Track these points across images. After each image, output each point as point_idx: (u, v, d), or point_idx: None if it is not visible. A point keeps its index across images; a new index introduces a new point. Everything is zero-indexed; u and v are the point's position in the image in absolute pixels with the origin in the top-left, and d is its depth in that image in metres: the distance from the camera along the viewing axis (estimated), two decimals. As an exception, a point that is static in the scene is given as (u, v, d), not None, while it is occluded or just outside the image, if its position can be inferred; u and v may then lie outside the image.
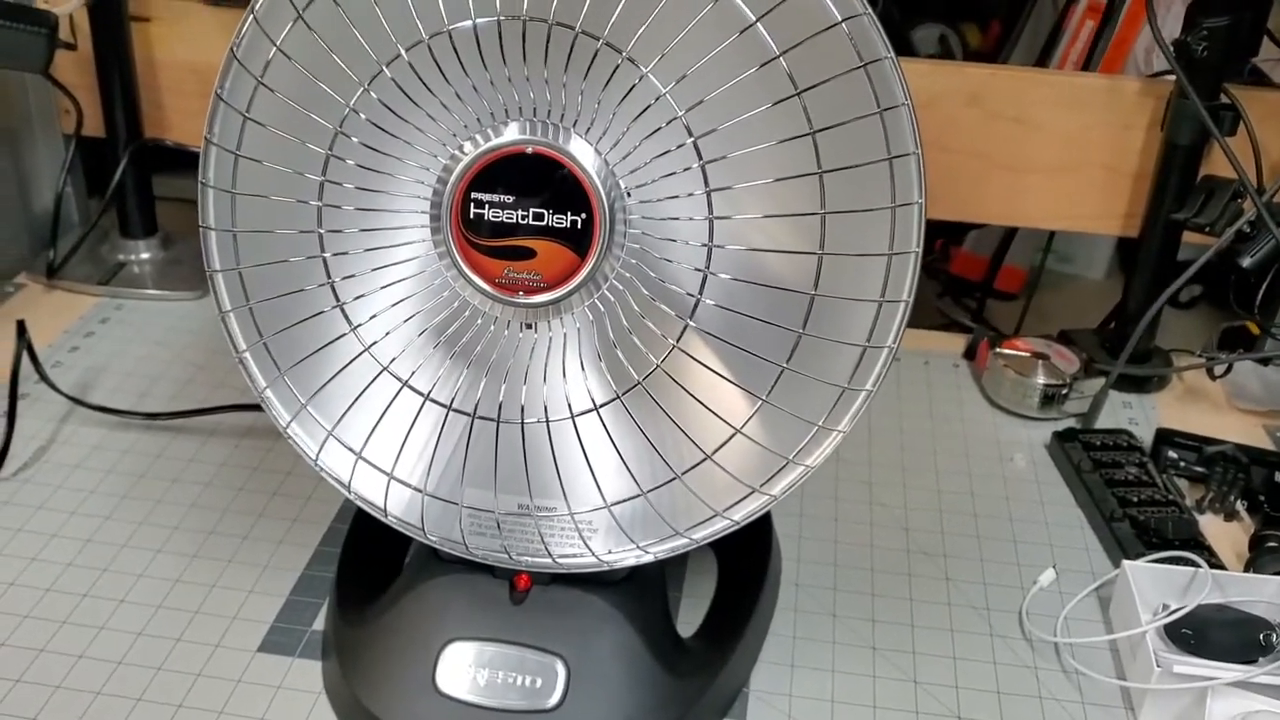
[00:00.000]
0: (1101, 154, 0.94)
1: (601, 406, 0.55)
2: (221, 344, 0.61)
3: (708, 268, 0.54)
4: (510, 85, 0.54)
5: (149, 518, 0.78)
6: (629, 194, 0.55)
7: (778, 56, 0.52)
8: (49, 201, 1.08)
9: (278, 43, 0.55)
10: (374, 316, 0.56)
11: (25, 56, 0.92)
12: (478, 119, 0.55)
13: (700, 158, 0.53)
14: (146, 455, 0.84)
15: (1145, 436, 0.89)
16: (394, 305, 0.56)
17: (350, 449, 0.58)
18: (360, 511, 0.63)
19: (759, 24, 0.52)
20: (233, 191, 0.57)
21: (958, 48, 2.04)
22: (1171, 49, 0.85)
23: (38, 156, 1.08)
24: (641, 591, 0.66)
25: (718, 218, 0.54)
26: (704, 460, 0.56)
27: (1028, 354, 0.94)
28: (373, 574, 0.72)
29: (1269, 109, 0.89)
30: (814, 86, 0.53)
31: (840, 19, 0.53)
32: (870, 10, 0.55)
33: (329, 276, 0.56)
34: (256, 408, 0.87)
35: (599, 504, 0.57)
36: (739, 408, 0.57)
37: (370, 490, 0.61)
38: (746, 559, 0.74)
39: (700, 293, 0.54)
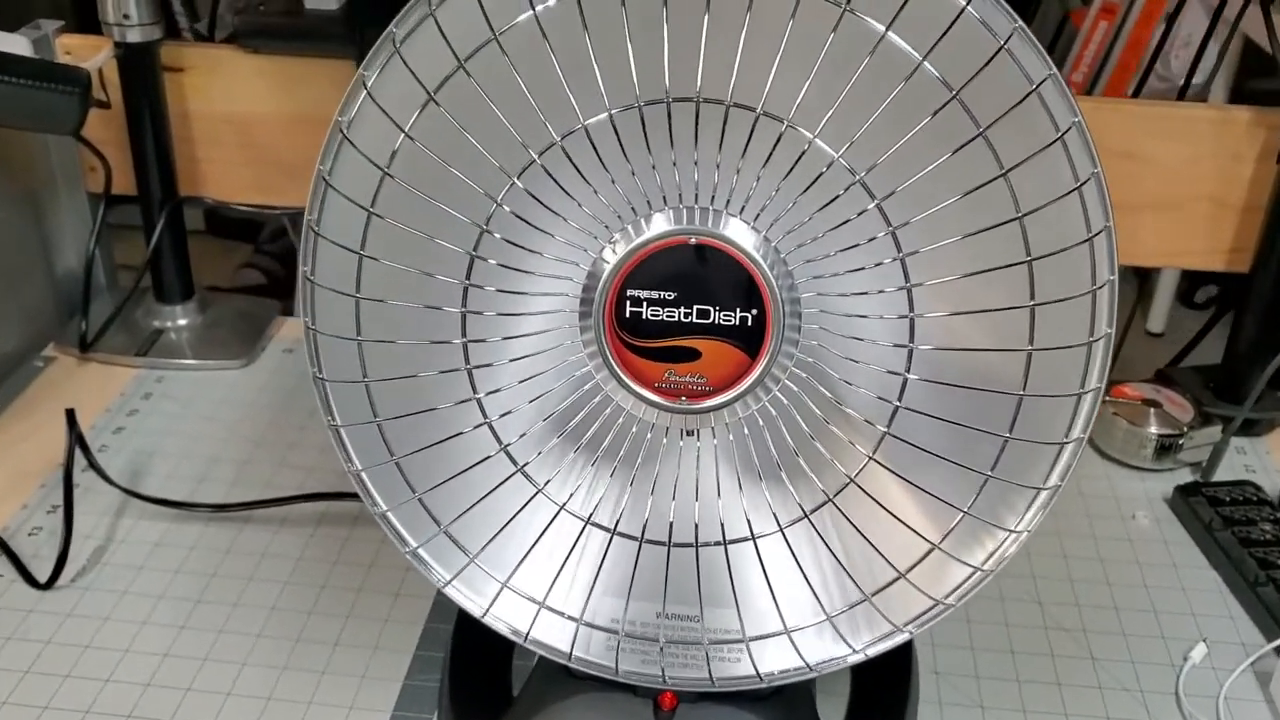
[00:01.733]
0: (1209, 187, 0.89)
1: (787, 527, 0.50)
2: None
3: (908, 370, 0.48)
4: (655, 171, 0.48)
5: (228, 625, 0.72)
6: (802, 285, 0.49)
7: (981, 133, 0.47)
8: (74, 265, 1.01)
9: (407, 129, 0.49)
10: (523, 435, 0.50)
11: (57, 119, 0.85)
12: (631, 207, 0.49)
13: (899, 249, 0.47)
14: (215, 551, 0.78)
15: (1265, 483, 0.85)
16: (545, 420, 0.50)
17: (495, 578, 0.52)
18: (462, 614, 0.57)
19: (959, 97, 0.47)
20: (356, 296, 0.51)
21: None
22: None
23: (61, 218, 1.01)
24: (792, 704, 0.60)
25: (916, 316, 0.48)
26: (897, 579, 0.51)
27: (1139, 401, 0.89)
28: (485, 687, 0.66)
29: (1387, 136, 0.85)
30: (1020, 164, 0.47)
31: (1034, 85, 0.48)
32: (1055, 69, 0.50)
33: (475, 391, 0.50)
34: (334, 496, 0.82)
35: (777, 629, 0.52)
36: (918, 515, 0.51)
37: (510, 613, 0.55)
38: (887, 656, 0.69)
39: (900, 399, 0.48)
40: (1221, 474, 0.87)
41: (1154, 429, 0.87)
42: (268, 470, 0.85)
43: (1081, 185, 0.49)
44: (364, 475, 0.54)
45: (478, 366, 0.49)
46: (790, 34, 0.46)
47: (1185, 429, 0.87)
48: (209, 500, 0.81)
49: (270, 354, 0.99)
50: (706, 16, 0.46)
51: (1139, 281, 2.01)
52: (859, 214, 0.47)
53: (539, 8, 0.47)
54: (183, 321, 0.99)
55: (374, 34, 0.88)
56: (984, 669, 0.71)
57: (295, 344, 1.00)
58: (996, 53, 0.48)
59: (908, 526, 0.49)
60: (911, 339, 0.48)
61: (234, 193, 0.99)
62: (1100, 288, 0.50)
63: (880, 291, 0.48)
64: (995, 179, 0.47)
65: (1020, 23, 0.49)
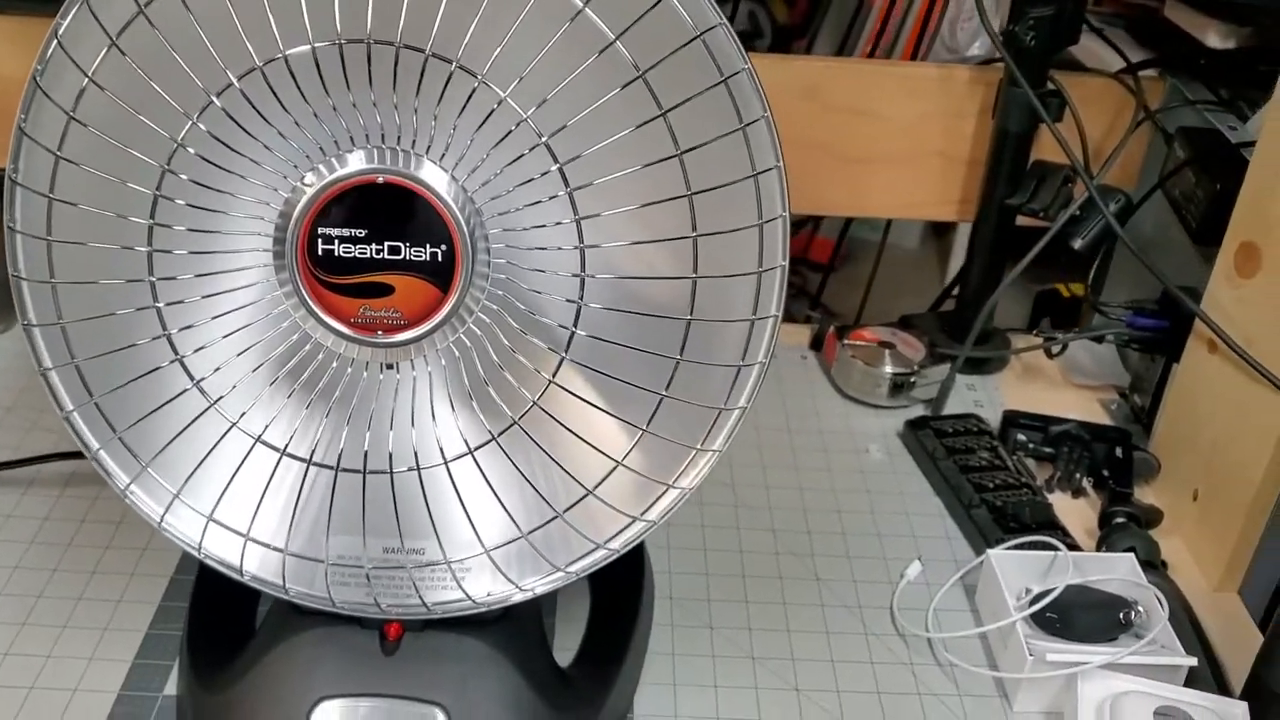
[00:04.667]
0: (938, 142, 0.95)
1: (476, 450, 0.53)
2: (32, 381, 0.55)
3: (581, 299, 0.51)
4: (356, 111, 0.50)
5: (-35, 586, 0.72)
6: (491, 223, 0.52)
7: (640, 75, 0.50)
8: None
9: (90, 73, 0.50)
10: (218, 369, 0.52)
11: None
12: (320, 148, 0.51)
13: (567, 185, 0.50)
14: (-44, 515, 0.77)
15: (992, 418, 0.91)
16: (240, 354, 0.52)
17: (199, 512, 0.54)
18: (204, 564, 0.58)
19: (619, 42, 0.50)
20: (48, 239, 0.51)
21: (766, 23, 2.05)
22: (1000, 38, 0.87)
23: None
24: (519, 628, 0.63)
25: (588, 246, 0.52)
26: (585, 496, 0.54)
27: (874, 343, 0.94)
28: (226, 630, 0.67)
29: (1088, 93, 0.92)
30: (678, 106, 0.51)
31: (697, 32, 0.51)
32: (726, 21, 0.53)
33: (164, 328, 0.51)
34: (79, 455, 0.81)
35: (477, 550, 0.55)
36: (614, 436, 0.55)
37: (223, 549, 0.56)
38: (619, 578, 0.72)
39: (575, 325, 0.51)
40: (952, 408, 0.93)
41: (888, 369, 0.93)
42: (17, 435, 0.84)
43: (747, 126, 0.53)
44: (75, 416, 0.54)
45: (170, 304, 0.50)
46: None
47: (917, 368, 0.93)
48: (-48, 466, 0.80)
49: (29, 320, 0.97)
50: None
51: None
52: (543, 174, 0.50)
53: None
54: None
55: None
56: (716, 593, 0.75)
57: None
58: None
59: (590, 445, 0.52)
60: (583, 269, 0.51)
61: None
62: (770, 220, 0.54)
63: (557, 224, 0.51)
64: (654, 119, 0.50)
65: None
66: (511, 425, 0.52)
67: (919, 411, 0.93)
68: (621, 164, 0.51)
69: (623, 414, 0.53)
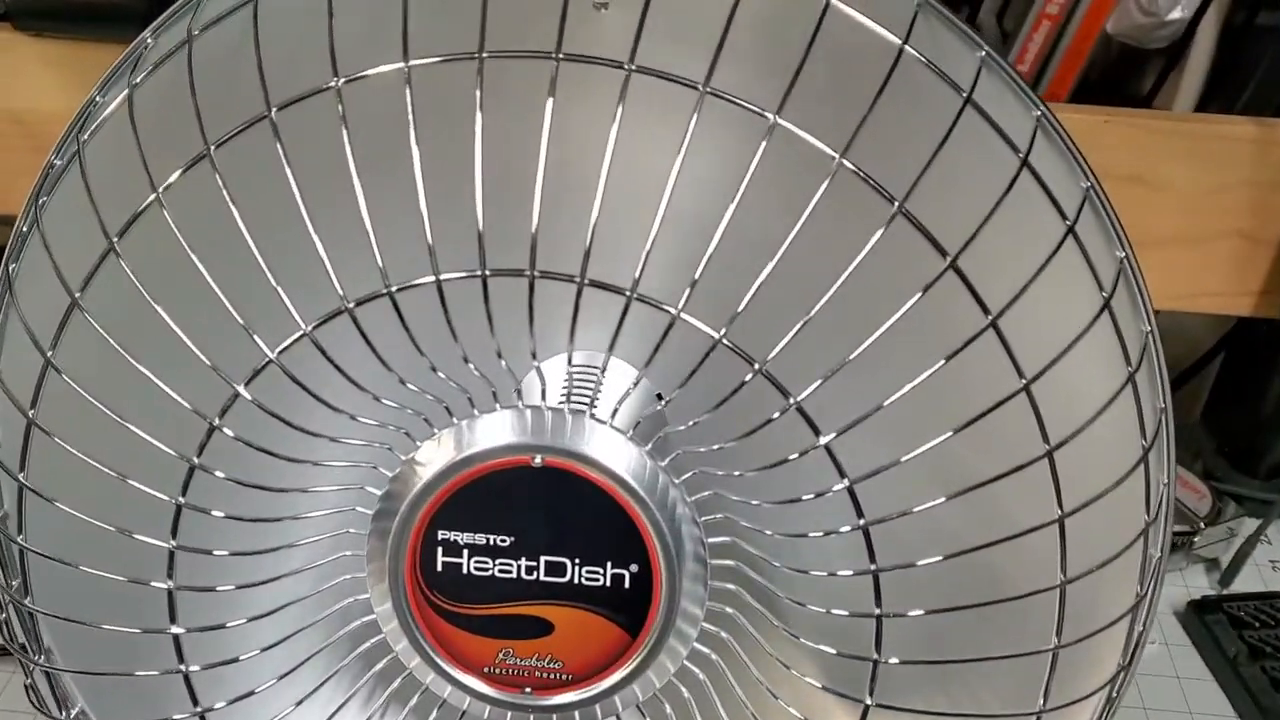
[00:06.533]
0: (1239, 219, 0.72)
1: None
2: None
3: (877, 651, 0.31)
4: (500, 360, 0.30)
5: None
6: (715, 527, 0.32)
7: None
8: None
9: (77, 292, 0.30)
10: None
11: None
12: (446, 408, 0.31)
13: (861, 515, 0.29)
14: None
15: (1297, 588, 0.69)
16: (316, 731, 0.32)
17: None
18: None
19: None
20: (19, 544, 0.32)
21: None
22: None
23: None
24: None
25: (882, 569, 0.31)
26: None
27: (1144, 485, 0.72)
28: None
29: None
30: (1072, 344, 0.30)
31: (1069, 224, 0.31)
32: (1094, 178, 0.33)
33: (196, 703, 0.32)
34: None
35: None
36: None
37: None
38: None
39: (870, 692, 0.31)
40: (1244, 577, 0.71)
41: (1163, 523, 0.71)
42: None
43: (1135, 373, 0.32)
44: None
45: (208, 667, 0.31)
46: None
47: (1201, 524, 0.71)
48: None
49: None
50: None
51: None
52: (802, 453, 0.29)
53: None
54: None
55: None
56: None
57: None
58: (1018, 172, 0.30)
59: None
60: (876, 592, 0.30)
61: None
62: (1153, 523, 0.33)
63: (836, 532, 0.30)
64: (1034, 380, 0.29)
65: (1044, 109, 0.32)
66: None
67: (1200, 580, 0.71)
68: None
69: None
